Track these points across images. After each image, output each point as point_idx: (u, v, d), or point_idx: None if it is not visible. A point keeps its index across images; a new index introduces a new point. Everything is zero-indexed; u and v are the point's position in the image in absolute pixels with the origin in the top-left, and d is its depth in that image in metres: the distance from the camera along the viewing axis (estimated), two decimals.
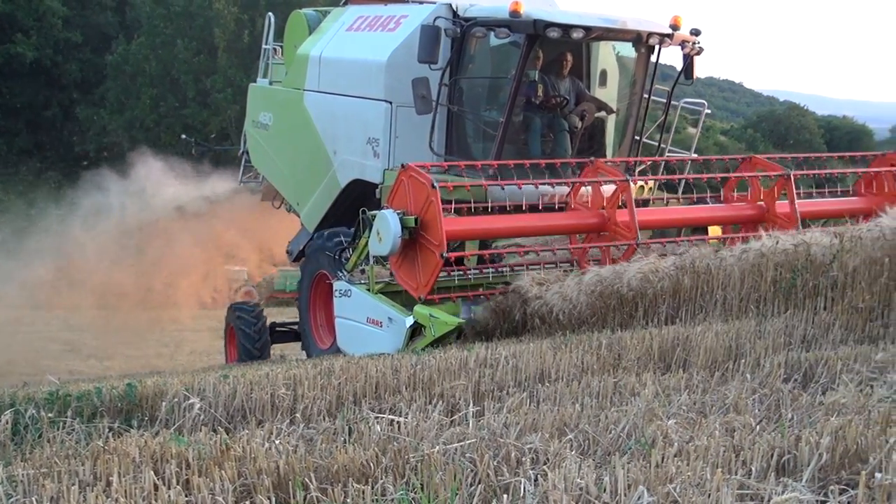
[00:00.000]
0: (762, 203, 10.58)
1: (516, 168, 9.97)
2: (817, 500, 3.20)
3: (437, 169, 10.11)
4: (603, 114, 11.64)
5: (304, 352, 12.98)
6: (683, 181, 11.73)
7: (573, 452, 3.81)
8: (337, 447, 4.01)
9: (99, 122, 49.22)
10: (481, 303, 9.29)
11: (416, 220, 9.01)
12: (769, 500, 3.16)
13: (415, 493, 3.40)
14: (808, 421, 4.21)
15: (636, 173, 11.60)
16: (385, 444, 3.96)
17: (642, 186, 11.52)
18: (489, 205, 9.62)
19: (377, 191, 11.22)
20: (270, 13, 15.90)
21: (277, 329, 14.95)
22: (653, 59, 11.46)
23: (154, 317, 22.84)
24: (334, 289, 10.32)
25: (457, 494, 3.37)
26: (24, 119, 49.47)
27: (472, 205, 9.58)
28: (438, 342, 8.62)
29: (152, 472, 3.61)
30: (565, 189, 10.18)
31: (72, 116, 50.19)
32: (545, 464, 3.67)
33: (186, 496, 3.46)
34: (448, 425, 4.40)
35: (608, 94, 11.98)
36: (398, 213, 9.07)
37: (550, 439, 3.97)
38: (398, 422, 4.43)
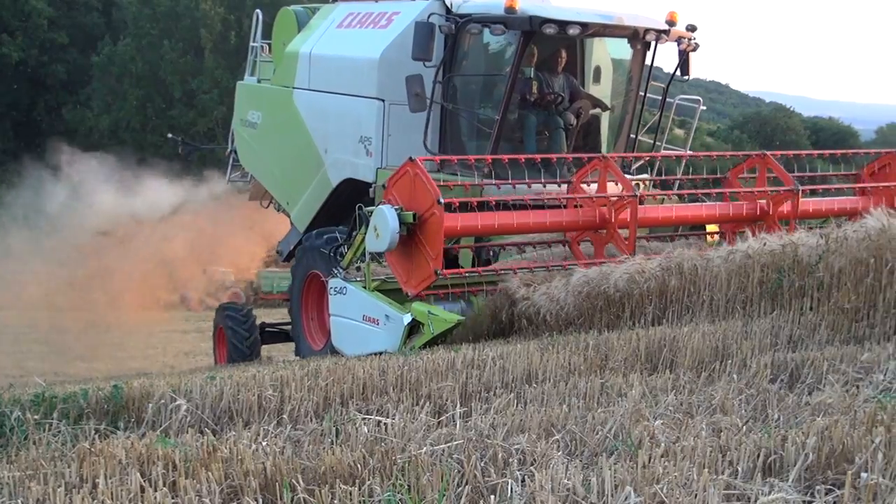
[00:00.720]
0: (763, 203, 10.35)
1: (511, 164, 9.84)
2: (803, 501, 3.20)
3: (432, 165, 9.95)
4: (598, 111, 11.58)
5: (294, 354, 12.75)
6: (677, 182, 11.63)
7: (560, 453, 3.82)
8: (324, 448, 4.00)
9: (86, 124, 49.06)
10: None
11: (414, 216, 8.72)
12: (756, 501, 3.16)
13: (402, 494, 3.40)
14: (794, 421, 4.23)
15: (633, 170, 11.55)
16: (372, 446, 3.96)
17: (638, 185, 11.44)
18: (491, 199, 9.37)
19: (370, 190, 11.14)
20: (258, 10, 15.75)
21: (267, 329, 14.80)
22: (649, 55, 11.39)
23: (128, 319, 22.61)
24: (329, 286, 10.04)
25: (444, 495, 3.37)
26: (11, 120, 49.25)
27: (476, 199, 9.25)
28: (437, 340, 8.47)
29: (139, 474, 3.59)
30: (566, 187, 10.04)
31: (58, 117, 50.01)
32: (532, 464, 3.68)
33: (173, 498, 3.45)
34: (435, 426, 4.40)
35: (602, 90, 11.93)
36: (396, 209, 8.76)
37: (537, 440, 3.97)
38: (385, 423, 4.43)
